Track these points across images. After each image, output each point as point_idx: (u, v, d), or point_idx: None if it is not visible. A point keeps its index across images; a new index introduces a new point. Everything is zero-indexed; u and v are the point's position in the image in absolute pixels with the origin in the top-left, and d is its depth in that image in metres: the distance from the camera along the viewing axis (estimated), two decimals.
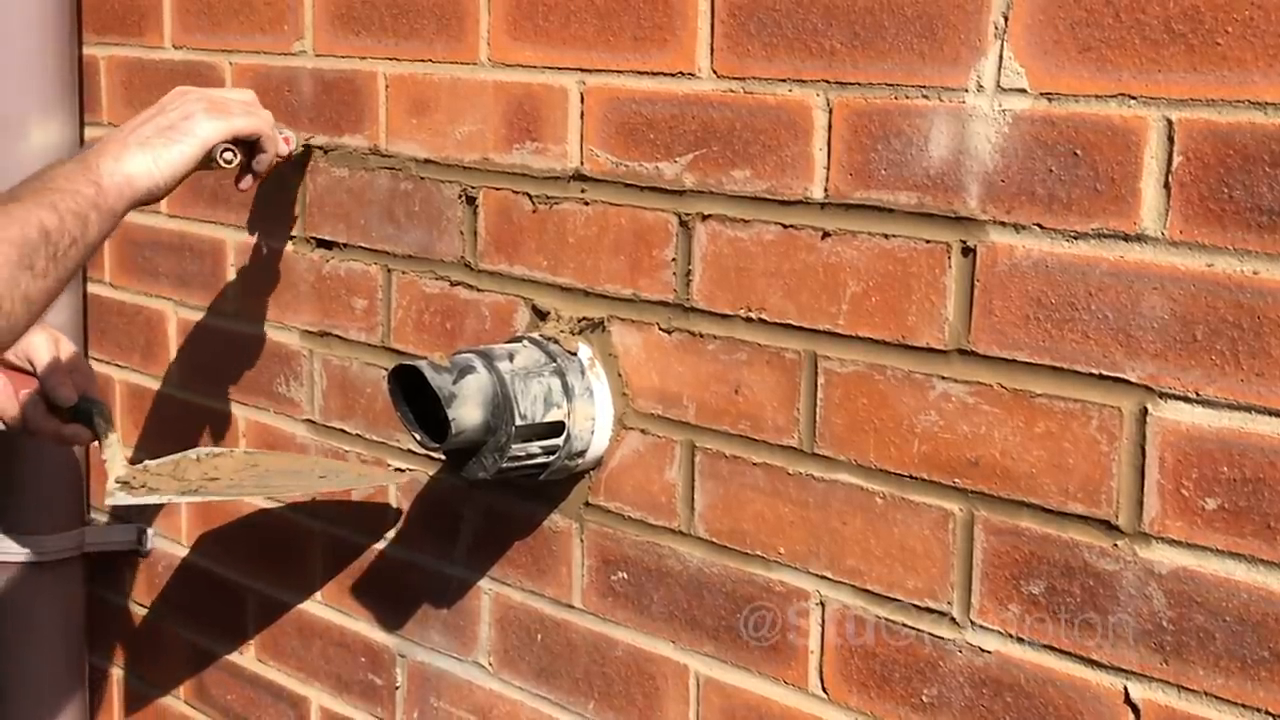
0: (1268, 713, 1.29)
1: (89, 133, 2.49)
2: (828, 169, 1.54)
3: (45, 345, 1.94)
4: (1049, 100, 1.38)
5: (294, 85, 2.12)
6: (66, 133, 2.45)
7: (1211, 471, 1.31)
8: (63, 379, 1.92)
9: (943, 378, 1.47)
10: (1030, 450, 1.42)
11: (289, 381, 2.19)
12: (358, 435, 2.08)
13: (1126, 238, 1.34)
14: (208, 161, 1.78)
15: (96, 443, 1.94)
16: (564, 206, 1.79)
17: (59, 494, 2.50)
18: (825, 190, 1.55)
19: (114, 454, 1.92)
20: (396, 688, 2.08)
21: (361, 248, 2.04)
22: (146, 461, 1.97)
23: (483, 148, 1.87)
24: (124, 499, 1.86)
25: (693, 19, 1.64)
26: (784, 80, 1.57)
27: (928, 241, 1.47)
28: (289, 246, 2.16)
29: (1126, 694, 1.37)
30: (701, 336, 1.67)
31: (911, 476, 1.50)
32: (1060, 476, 1.40)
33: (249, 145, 1.84)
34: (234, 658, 2.35)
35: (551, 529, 1.85)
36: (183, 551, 2.44)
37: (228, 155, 1.81)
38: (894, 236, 1.50)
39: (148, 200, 1.70)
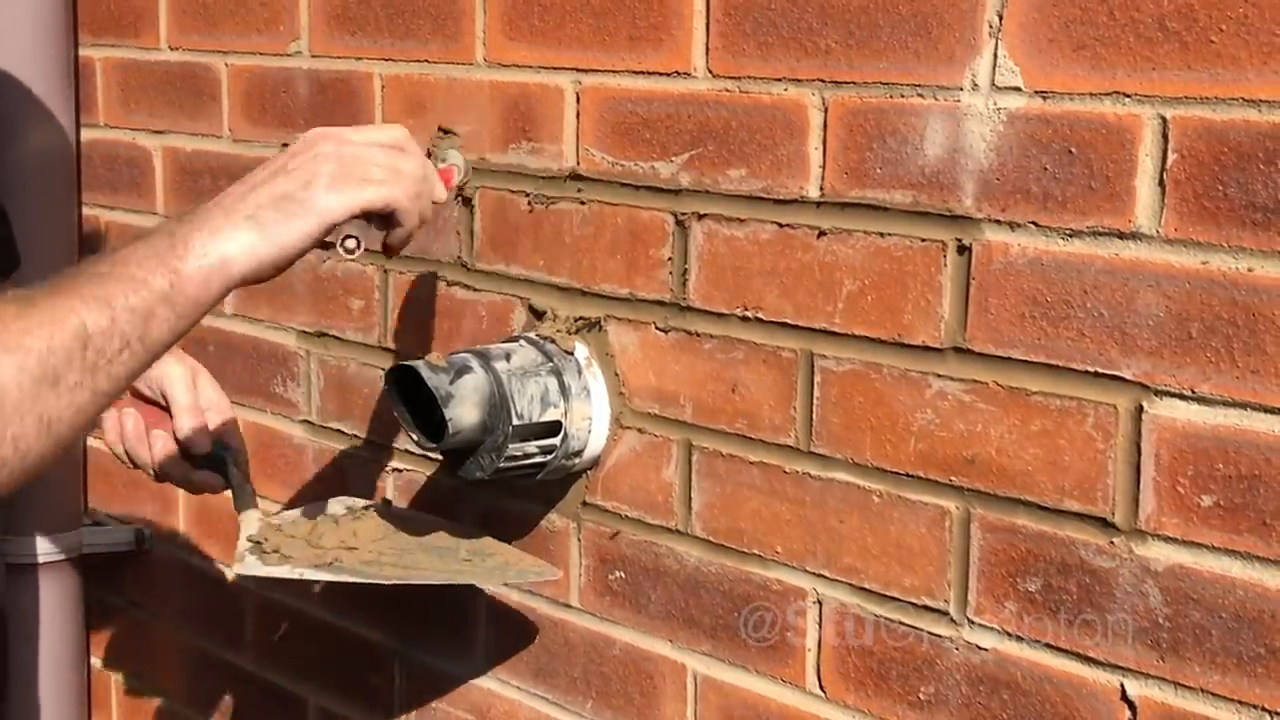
0: (1264, 709, 1.29)
1: (85, 134, 2.49)
2: (823, 168, 1.55)
3: (182, 381, 1.75)
4: (1044, 98, 1.38)
5: (290, 86, 2.12)
6: (63, 134, 2.45)
7: (1207, 469, 1.31)
8: (198, 424, 1.73)
9: (939, 376, 1.47)
10: (1026, 448, 1.42)
11: (286, 382, 2.19)
12: (355, 435, 2.09)
13: (1121, 235, 1.34)
14: (326, 244, 1.42)
15: (229, 491, 1.77)
16: (560, 206, 1.79)
17: (57, 495, 2.50)
18: (821, 189, 1.55)
19: (247, 509, 1.74)
20: (395, 688, 2.08)
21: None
22: (283, 514, 1.79)
23: (479, 147, 1.88)
24: (254, 568, 1.66)
25: (688, 18, 1.64)
26: (779, 79, 1.57)
27: (923, 240, 1.47)
28: None
29: (1123, 691, 1.38)
30: (698, 335, 1.67)
31: (908, 474, 1.51)
32: (1056, 474, 1.40)
33: (385, 217, 1.44)
34: (232, 658, 2.35)
35: (549, 528, 1.85)
36: (181, 553, 2.44)
37: (349, 243, 1.46)
38: (890, 235, 1.50)
39: (245, 285, 1.35)
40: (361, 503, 1.87)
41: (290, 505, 2.14)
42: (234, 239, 1.32)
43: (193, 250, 1.30)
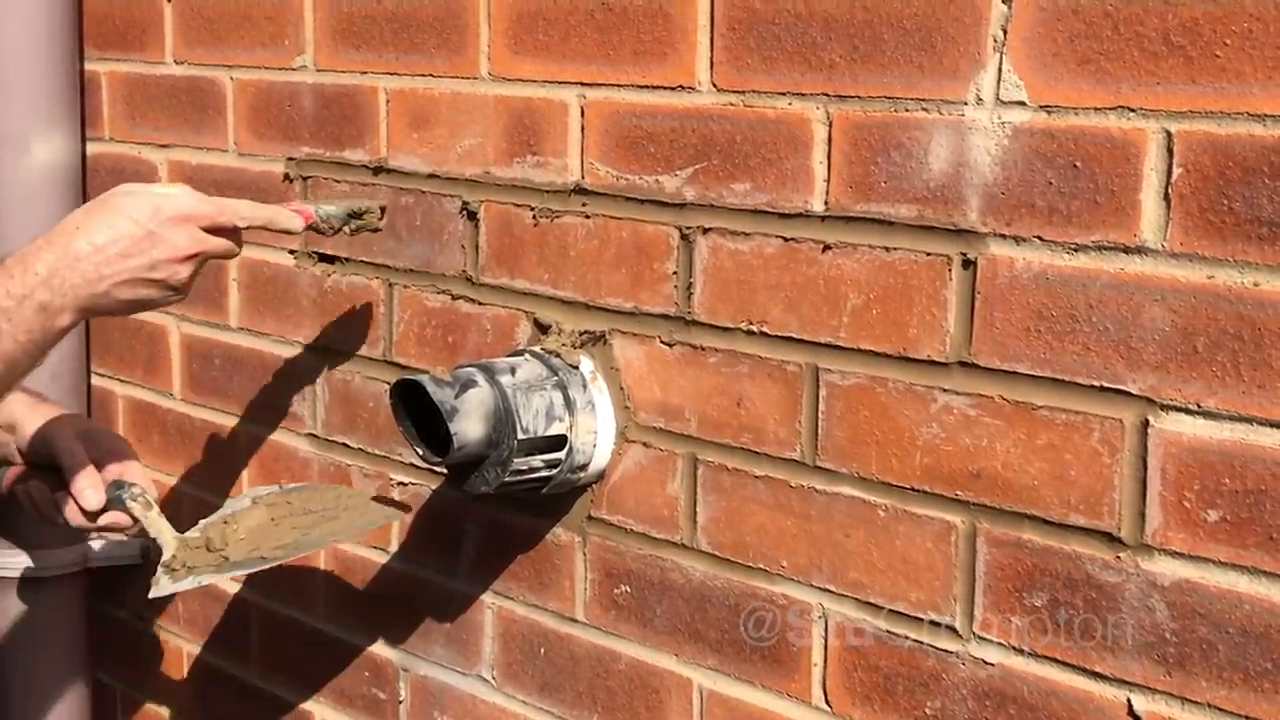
0: None
1: (90, 148, 2.50)
2: (828, 182, 1.55)
3: (66, 444, 1.88)
4: (1048, 113, 1.38)
5: (295, 100, 2.12)
6: (68, 147, 2.46)
7: (1213, 483, 1.31)
8: (89, 480, 1.86)
9: (944, 390, 1.47)
10: (1032, 462, 1.42)
11: (291, 396, 2.19)
12: (360, 449, 2.09)
13: (1127, 250, 1.34)
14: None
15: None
16: (565, 220, 1.80)
17: None
18: (825, 203, 1.55)
19: (160, 535, 1.87)
20: (400, 702, 2.07)
21: (363, 262, 2.05)
22: (188, 533, 1.90)
23: (484, 161, 1.88)
24: (165, 588, 1.81)
25: (692, 33, 1.64)
26: (784, 94, 1.57)
27: (928, 254, 1.47)
28: (290, 261, 2.16)
29: (1130, 706, 1.37)
30: (703, 349, 1.67)
31: (914, 489, 1.50)
32: (1062, 488, 1.40)
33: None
34: (237, 672, 2.34)
35: (554, 542, 1.85)
36: None
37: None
38: (895, 249, 1.50)
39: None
40: (265, 491, 1.96)
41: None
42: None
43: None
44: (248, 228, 1.75)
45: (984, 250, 1.43)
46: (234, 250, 1.74)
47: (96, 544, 2.53)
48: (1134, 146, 1.33)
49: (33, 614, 2.51)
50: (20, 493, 1.94)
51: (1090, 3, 1.34)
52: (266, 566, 1.82)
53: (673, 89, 1.67)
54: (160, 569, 1.83)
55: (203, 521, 1.92)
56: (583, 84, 1.76)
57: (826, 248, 1.55)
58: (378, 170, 2.01)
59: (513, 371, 1.73)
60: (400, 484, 2.04)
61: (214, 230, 1.71)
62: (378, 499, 1.95)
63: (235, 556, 1.81)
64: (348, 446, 2.11)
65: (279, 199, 2.16)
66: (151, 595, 1.81)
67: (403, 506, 1.84)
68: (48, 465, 1.90)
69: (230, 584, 2.34)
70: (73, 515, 1.88)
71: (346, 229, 1.89)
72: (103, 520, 1.88)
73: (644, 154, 1.70)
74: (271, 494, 1.95)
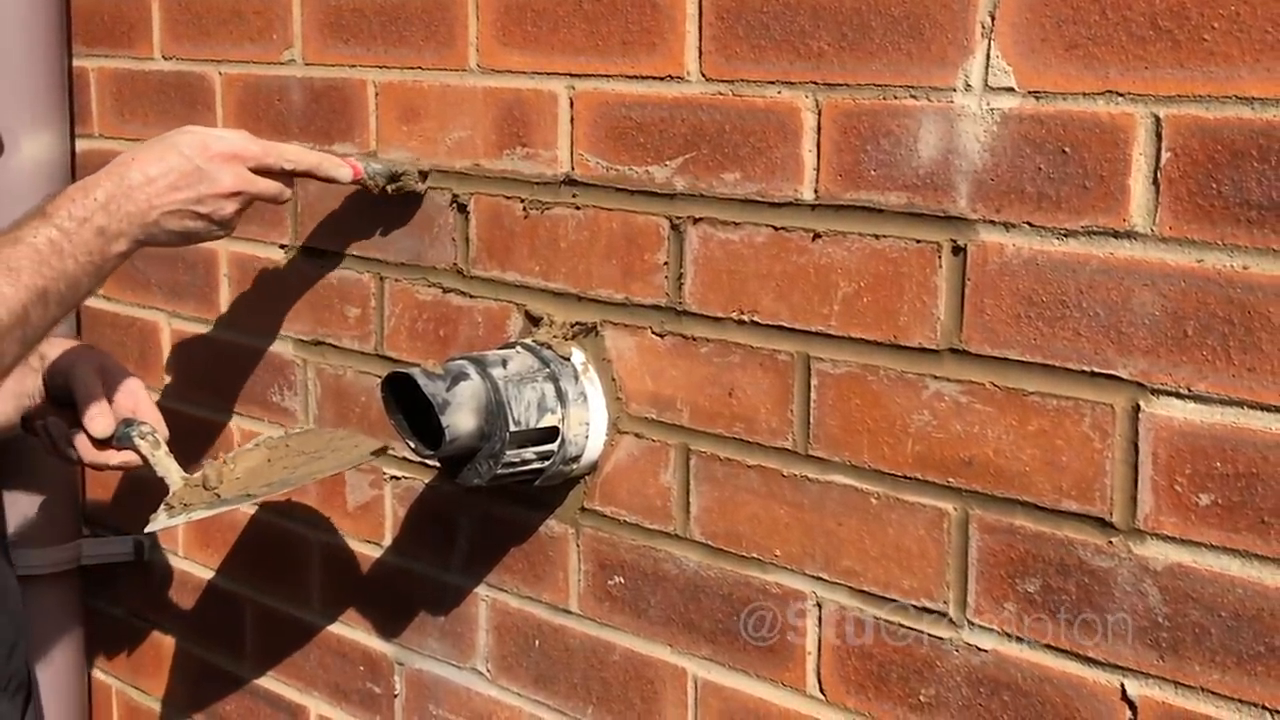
0: (1265, 707, 1.29)
1: (79, 145, 2.49)
2: (817, 170, 1.54)
3: (84, 379, 1.93)
4: (1037, 98, 1.38)
5: (284, 95, 2.12)
6: (57, 144, 2.45)
7: (1205, 467, 1.31)
8: (100, 409, 1.91)
9: (935, 377, 1.47)
10: (1024, 449, 1.42)
11: (283, 391, 2.19)
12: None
13: (1116, 234, 1.34)
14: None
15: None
16: (555, 211, 1.79)
17: (55, 507, 2.50)
18: (815, 192, 1.55)
19: (168, 474, 1.91)
20: (395, 695, 2.07)
21: (354, 256, 2.04)
22: (194, 474, 1.94)
23: (473, 154, 1.87)
24: (159, 523, 1.85)
25: (680, 22, 1.64)
26: (772, 82, 1.57)
27: (918, 241, 1.47)
28: (281, 255, 2.16)
29: (1123, 691, 1.37)
30: (694, 340, 1.67)
31: (906, 476, 1.50)
32: (1054, 474, 1.40)
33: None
34: (233, 668, 2.34)
35: (548, 534, 1.85)
36: (180, 562, 2.44)
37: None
38: (885, 237, 1.50)
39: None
40: (274, 436, 2.00)
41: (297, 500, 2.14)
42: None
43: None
44: (294, 171, 1.84)
45: (974, 237, 1.43)
46: (282, 193, 1.84)
47: (91, 540, 2.53)
48: (1122, 131, 1.33)
49: (27, 611, 2.50)
50: (39, 428, 1.99)
51: None
52: (252, 501, 1.89)
53: (662, 79, 1.67)
54: (161, 506, 1.87)
55: (206, 462, 1.98)
56: (572, 75, 1.76)
57: (817, 236, 1.55)
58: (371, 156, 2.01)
59: (504, 364, 1.72)
60: (393, 478, 2.04)
61: (261, 171, 1.81)
62: (364, 438, 1.97)
63: (227, 494, 1.85)
64: None
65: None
66: (147, 530, 1.86)
67: (382, 447, 1.86)
68: (66, 401, 1.95)
69: (223, 577, 2.34)
70: (84, 449, 1.93)
71: (390, 188, 1.93)
72: (113, 459, 1.94)
73: (634, 144, 1.70)
74: (275, 438, 1.98)
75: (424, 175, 1.93)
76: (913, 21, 1.45)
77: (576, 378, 1.75)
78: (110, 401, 1.93)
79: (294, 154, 1.85)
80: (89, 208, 1.72)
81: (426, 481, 2.00)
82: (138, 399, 1.96)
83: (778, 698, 1.64)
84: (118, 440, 1.92)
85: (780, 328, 1.59)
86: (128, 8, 2.37)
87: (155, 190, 1.75)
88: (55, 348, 1.98)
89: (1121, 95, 1.33)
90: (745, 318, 1.62)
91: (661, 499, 1.72)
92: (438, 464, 1.82)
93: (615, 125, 1.72)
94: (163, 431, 1.93)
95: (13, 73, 2.38)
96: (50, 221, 1.70)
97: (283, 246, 2.15)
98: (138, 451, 1.91)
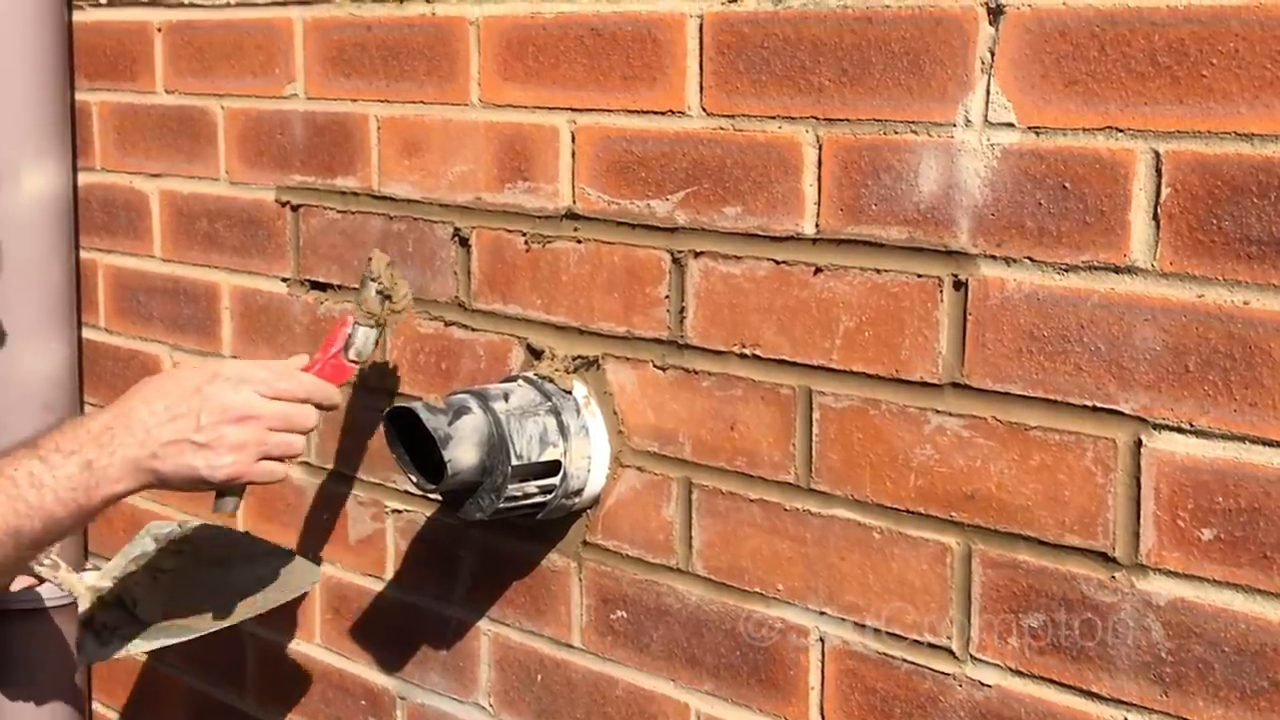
0: None
1: (81, 178, 2.50)
2: (818, 205, 1.55)
3: None
4: (1037, 134, 1.38)
5: (286, 128, 2.13)
6: (60, 178, 2.46)
7: (1207, 502, 1.31)
8: None
9: (937, 411, 1.47)
10: (1026, 483, 1.42)
11: None
12: (354, 477, 2.08)
13: (1117, 270, 1.34)
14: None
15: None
16: (557, 245, 1.80)
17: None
18: (816, 226, 1.55)
19: (73, 588, 1.87)
20: None
21: (356, 289, 2.05)
22: (98, 581, 1.89)
23: (475, 188, 1.88)
24: (94, 654, 1.81)
25: (681, 57, 1.65)
26: (773, 117, 1.57)
27: (919, 276, 1.47)
28: (283, 289, 2.16)
29: None
30: (696, 373, 1.67)
31: (908, 510, 1.50)
32: (1056, 509, 1.40)
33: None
34: (234, 702, 2.34)
35: (550, 568, 1.85)
36: None
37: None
38: (886, 271, 1.50)
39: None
40: (167, 528, 1.95)
41: (288, 545, 2.14)
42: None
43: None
44: (307, 400, 1.69)
45: (975, 271, 1.44)
46: (303, 424, 1.68)
47: (92, 574, 2.52)
48: (1122, 167, 1.33)
49: (29, 644, 2.50)
50: None
51: (1077, 24, 1.35)
52: (192, 638, 1.81)
53: (663, 114, 1.67)
54: (81, 629, 1.83)
55: (107, 566, 1.91)
56: (573, 109, 1.76)
57: (818, 270, 1.55)
58: (370, 197, 2.01)
59: (506, 398, 1.73)
60: (395, 511, 2.03)
61: (278, 398, 1.66)
62: (290, 553, 1.94)
63: (148, 615, 1.80)
64: (342, 474, 2.10)
65: (270, 228, 2.17)
66: (79, 663, 1.83)
67: (313, 563, 1.84)
68: None
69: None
70: None
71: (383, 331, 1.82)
72: (14, 586, 1.90)
73: (635, 178, 1.70)
74: (171, 532, 1.94)
75: (405, 295, 1.82)
76: (913, 57, 1.46)
77: (578, 411, 1.75)
78: None
79: (307, 388, 1.70)
80: (79, 440, 1.60)
81: (428, 515, 2.00)
82: None
83: None
84: None
85: (782, 361, 1.59)
86: (130, 42, 2.38)
87: (155, 419, 1.61)
88: None
89: (1121, 131, 1.33)
90: (747, 351, 1.62)
91: (664, 533, 1.72)
92: (440, 498, 1.82)
93: (617, 159, 1.72)
94: (55, 549, 1.86)
95: (15, 106, 2.39)
96: (36, 453, 1.59)
97: (284, 279, 2.16)
98: (38, 578, 1.89)
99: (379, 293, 1.80)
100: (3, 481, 1.56)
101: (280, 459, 1.67)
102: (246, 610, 1.83)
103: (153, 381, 1.67)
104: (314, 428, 1.70)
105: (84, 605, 1.85)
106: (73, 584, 1.87)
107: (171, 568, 1.89)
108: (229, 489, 1.69)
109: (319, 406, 1.72)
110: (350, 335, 1.79)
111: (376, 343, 1.81)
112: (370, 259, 1.81)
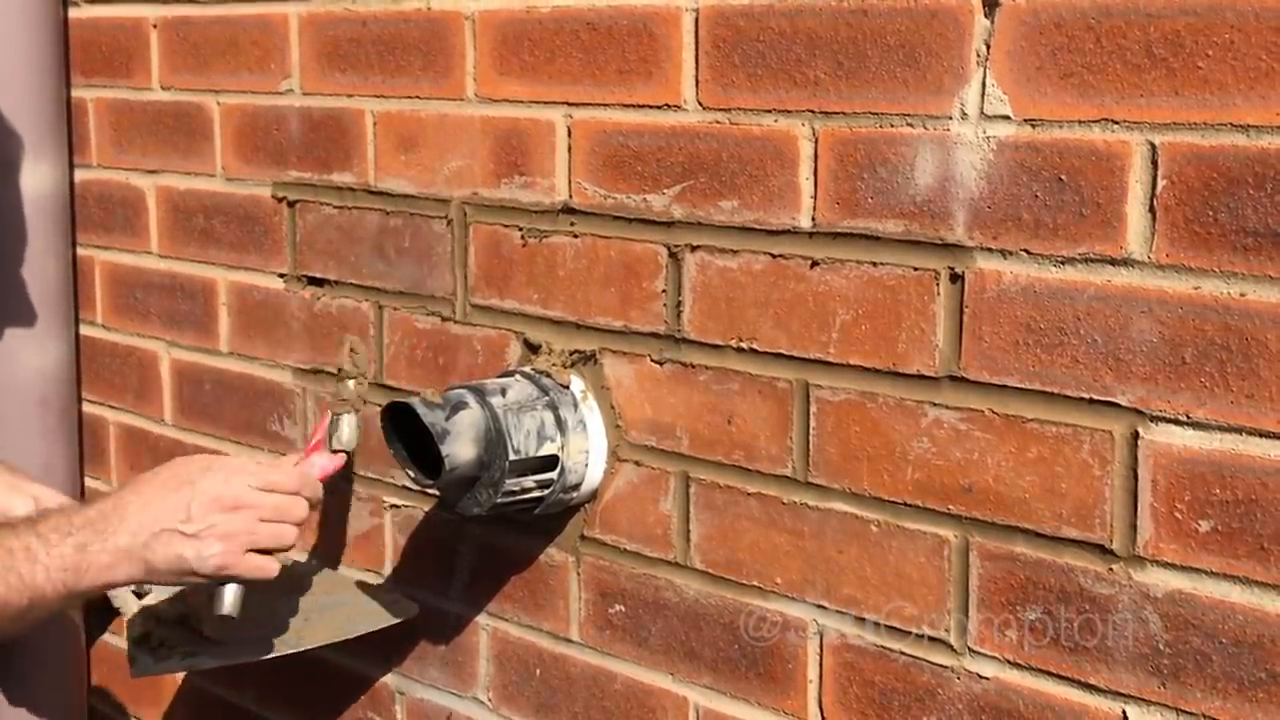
0: None
1: (78, 175, 2.50)
2: (815, 198, 1.55)
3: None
4: (1033, 126, 1.38)
5: (282, 124, 2.13)
6: (56, 175, 2.45)
7: (1204, 494, 1.31)
8: None
9: (934, 404, 1.47)
10: (1023, 475, 1.42)
11: (282, 419, 2.19)
12: (352, 473, 2.08)
13: (1113, 262, 1.34)
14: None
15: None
16: (553, 240, 1.80)
17: None
18: (813, 219, 1.55)
19: (124, 604, 1.88)
20: None
21: (352, 284, 2.05)
22: (157, 603, 1.88)
23: (471, 183, 1.88)
24: (148, 668, 1.78)
25: (677, 52, 1.64)
26: (769, 111, 1.57)
27: (916, 269, 1.47)
28: (280, 284, 2.16)
29: (1125, 717, 1.37)
30: (693, 367, 1.67)
31: (906, 504, 1.50)
32: (1054, 501, 1.40)
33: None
34: (235, 699, 2.34)
35: (548, 563, 1.85)
36: None
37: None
38: (882, 264, 1.50)
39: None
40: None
41: None
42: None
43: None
44: (298, 493, 1.70)
45: (971, 264, 1.44)
46: (294, 515, 1.69)
47: None
48: (1118, 159, 1.33)
49: (28, 644, 2.50)
50: None
51: (1072, 16, 1.35)
52: (261, 658, 1.80)
53: (658, 108, 1.67)
54: (134, 645, 1.81)
55: (171, 588, 1.90)
56: (569, 104, 1.76)
57: (814, 264, 1.55)
58: (366, 193, 2.01)
59: (503, 392, 1.72)
60: (393, 506, 2.03)
61: (269, 490, 1.68)
62: (379, 588, 1.90)
63: (214, 634, 1.79)
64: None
65: (266, 223, 2.16)
66: (134, 675, 1.80)
67: (409, 602, 1.82)
68: None
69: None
70: None
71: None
72: None
73: (631, 173, 1.70)
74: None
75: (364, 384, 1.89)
76: (908, 50, 1.46)
77: (576, 406, 1.75)
78: None
79: (298, 484, 1.72)
80: (76, 523, 1.62)
81: (426, 510, 2.00)
82: None
83: None
84: None
85: (779, 355, 1.59)
86: (126, 38, 2.38)
87: (148, 514, 1.62)
88: None
89: (1117, 123, 1.33)
90: (744, 345, 1.62)
91: (661, 527, 1.72)
92: (437, 493, 1.82)
93: (613, 154, 1.72)
94: None
95: (11, 103, 2.39)
96: (35, 529, 1.62)
97: (281, 275, 2.16)
98: None
99: (356, 380, 1.88)
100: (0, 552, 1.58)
101: (270, 551, 1.68)
102: (322, 636, 1.81)
103: (149, 474, 1.69)
104: (303, 520, 1.71)
105: (135, 628, 1.84)
106: (124, 600, 1.86)
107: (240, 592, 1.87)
108: (221, 582, 1.69)
109: (310, 503, 1.73)
110: (334, 425, 1.84)
111: (359, 428, 1.86)
112: (346, 359, 1.91)
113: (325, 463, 1.82)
